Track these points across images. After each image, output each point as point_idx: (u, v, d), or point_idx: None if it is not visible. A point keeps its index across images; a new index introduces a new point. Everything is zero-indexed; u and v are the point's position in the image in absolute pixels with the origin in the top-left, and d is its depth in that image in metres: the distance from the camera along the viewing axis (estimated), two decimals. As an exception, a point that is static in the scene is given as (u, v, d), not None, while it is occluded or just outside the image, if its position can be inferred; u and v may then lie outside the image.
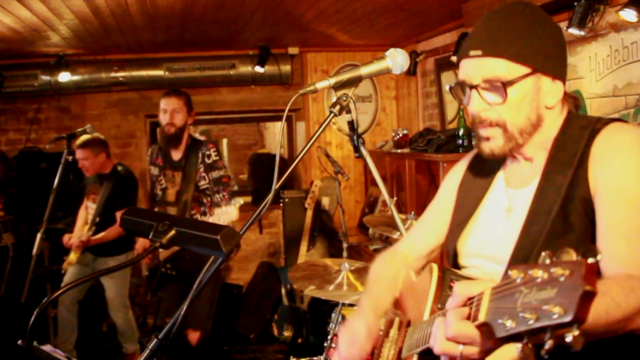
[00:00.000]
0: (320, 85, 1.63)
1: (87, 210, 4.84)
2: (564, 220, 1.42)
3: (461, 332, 1.04)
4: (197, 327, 4.35)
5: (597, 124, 1.49)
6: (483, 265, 1.64)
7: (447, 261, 1.79)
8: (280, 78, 6.38)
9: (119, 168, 4.79)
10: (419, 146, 5.05)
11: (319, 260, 3.86)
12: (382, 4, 4.35)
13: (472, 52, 1.50)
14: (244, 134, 10.44)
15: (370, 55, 6.22)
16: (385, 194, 2.65)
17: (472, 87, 1.51)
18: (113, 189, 4.59)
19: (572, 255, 0.84)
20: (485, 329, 0.99)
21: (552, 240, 1.41)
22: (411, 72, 5.84)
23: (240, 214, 6.30)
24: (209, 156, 4.23)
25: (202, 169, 4.21)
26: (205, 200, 4.22)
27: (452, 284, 1.52)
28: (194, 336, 4.37)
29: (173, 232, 1.37)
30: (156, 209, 4.48)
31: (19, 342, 1.38)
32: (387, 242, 4.80)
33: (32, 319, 1.30)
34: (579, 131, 1.50)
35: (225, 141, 9.84)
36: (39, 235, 3.76)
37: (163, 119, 4.19)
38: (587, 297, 0.79)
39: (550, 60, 1.50)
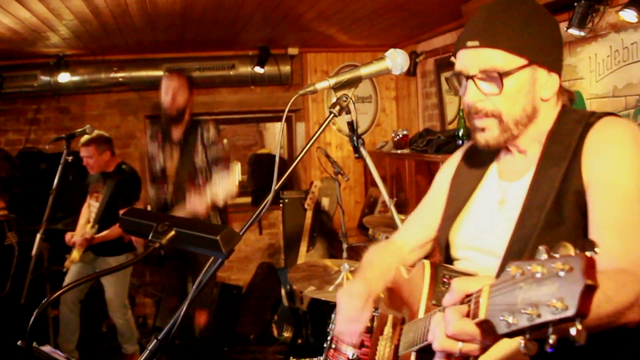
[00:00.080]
0: (320, 85, 1.63)
1: (90, 208, 4.85)
2: (558, 213, 1.43)
3: (462, 329, 1.04)
4: (203, 305, 4.36)
5: (591, 118, 1.50)
6: (475, 257, 1.64)
7: (440, 253, 1.80)
8: (280, 78, 6.38)
9: (123, 167, 4.79)
10: (419, 147, 5.05)
11: (318, 261, 3.86)
12: (382, 4, 4.35)
13: (469, 43, 1.51)
14: (243, 135, 10.43)
15: (370, 55, 6.22)
16: (385, 195, 2.65)
17: (468, 77, 1.52)
18: (116, 188, 4.59)
19: (570, 250, 0.84)
20: (486, 326, 0.99)
21: (546, 233, 1.42)
22: (411, 72, 5.84)
23: (240, 215, 6.31)
24: (208, 134, 4.24)
25: (200, 147, 4.21)
26: (200, 179, 4.21)
27: (445, 279, 1.53)
28: (201, 315, 4.39)
29: (173, 232, 1.37)
30: (151, 189, 4.48)
31: (19, 342, 1.38)
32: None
33: (31, 320, 1.29)
34: (573, 125, 1.51)
35: (224, 142, 9.82)
36: (38, 236, 3.76)
37: (164, 99, 4.20)
38: (589, 291, 0.79)
39: (547, 53, 1.52)
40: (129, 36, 5.17)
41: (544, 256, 0.86)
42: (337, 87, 1.66)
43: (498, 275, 1.42)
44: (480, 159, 1.75)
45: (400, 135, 5.65)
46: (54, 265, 4.50)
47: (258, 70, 6.18)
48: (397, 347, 1.64)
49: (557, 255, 0.84)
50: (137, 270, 6.10)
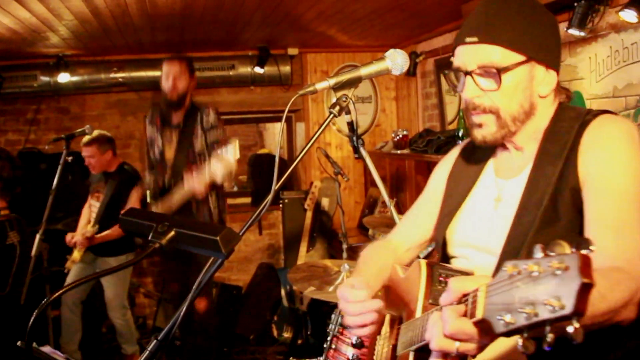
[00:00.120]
0: (319, 86, 1.63)
1: (91, 208, 4.84)
2: (554, 211, 1.44)
3: (459, 329, 1.04)
4: (203, 293, 4.35)
5: (588, 116, 1.51)
6: (472, 255, 1.65)
7: (437, 250, 1.79)
8: (279, 79, 6.38)
9: (125, 167, 4.79)
10: (419, 147, 5.05)
11: (318, 261, 3.86)
12: (382, 4, 4.35)
13: (467, 39, 1.52)
14: (243, 135, 10.42)
15: (370, 56, 6.21)
16: (385, 195, 2.65)
17: (466, 73, 1.53)
18: (118, 187, 4.59)
19: (565, 248, 0.85)
20: (483, 325, 0.99)
21: (542, 231, 1.43)
22: (411, 72, 5.83)
23: (240, 215, 6.31)
24: (208, 118, 4.24)
25: (199, 130, 4.21)
26: (199, 163, 4.18)
27: (441, 278, 1.53)
28: (200, 303, 4.38)
29: (172, 233, 1.37)
30: (149, 175, 4.47)
31: (19, 343, 1.38)
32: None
33: (31, 320, 1.29)
34: (570, 122, 1.52)
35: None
36: (37, 236, 3.76)
37: (165, 84, 4.19)
38: (585, 289, 0.80)
39: (545, 49, 1.52)
40: (129, 36, 5.17)
41: (540, 255, 0.87)
42: (337, 88, 1.66)
43: (495, 273, 1.44)
44: (476, 156, 1.75)
45: (400, 136, 5.65)
46: (54, 266, 4.50)
47: (258, 70, 6.17)
48: (394, 347, 1.64)
49: (553, 254, 0.85)
50: (137, 270, 6.10)
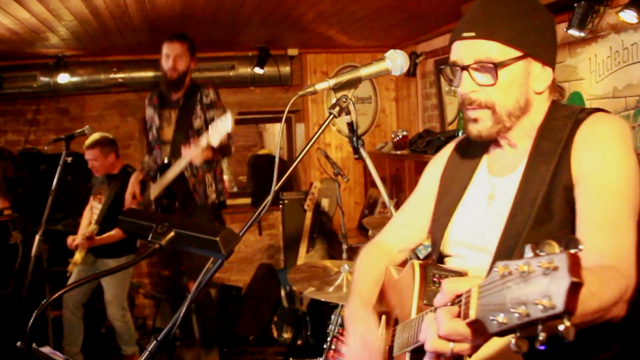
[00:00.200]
0: (319, 86, 1.63)
1: (92, 210, 4.84)
2: (548, 209, 1.45)
3: (453, 330, 1.05)
4: (196, 278, 4.34)
5: (581, 114, 1.52)
6: (467, 254, 1.65)
7: (433, 250, 1.79)
8: (279, 79, 6.37)
9: (129, 169, 4.79)
10: (419, 147, 5.05)
11: (318, 262, 3.85)
12: (381, 5, 4.35)
13: (465, 34, 1.52)
14: (243, 136, 10.41)
15: (369, 56, 6.21)
16: (384, 196, 2.64)
17: (463, 68, 1.53)
18: (120, 190, 4.58)
19: (554, 248, 0.86)
20: (477, 325, 1.00)
21: (536, 229, 1.44)
22: (411, 73, 5.83)
23: (240, 216, 6.31)
24: (207, 96, 4.23)
25: (198, 108, 4.20)
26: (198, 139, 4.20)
27: (434, 279, 1.53)
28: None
29: (172, 233, 1.37)
30: (148, 157, 4.47)
31: (18, 343, 1.38)
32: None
33: (31, 321, 1.29)
34: (563, 120, 1.52)
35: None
36: (37, 237, 3.76)
37: (165, 64, 4.18)
38: (575, 288, 0.81)
39: (542, 46, 1.52)
40: (129, 37, 5.17)
41: (531, 255, 0.88)
42: (336, 88, 1.66)
43: (489, 273, 1.45)
44: (470, 153, 1.76)
45: (400, 136, 5.65)
46: (53, 266, 4.50)
47: (258, 71, 6.17)
48: (391, 348, 1.64)
49: (543, 254, 0.86)
50: (137, 271, 6.10)
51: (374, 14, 4.68)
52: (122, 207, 4.53)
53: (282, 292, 5.46)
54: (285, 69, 6.35)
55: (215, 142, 3.73)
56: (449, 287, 1.10)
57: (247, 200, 6.91)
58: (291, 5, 4.32)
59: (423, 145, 4.97)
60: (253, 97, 6.56)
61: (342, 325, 3.06)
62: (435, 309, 1.12)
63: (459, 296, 1.08)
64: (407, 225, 1.94)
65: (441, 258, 1.75)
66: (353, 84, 1.67)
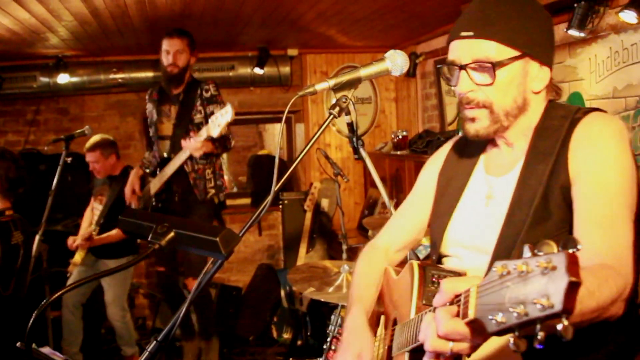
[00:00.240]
0: (319, 86, 1.63)
1: (93, 211, 4.84)
2: (545, 208, 1.45)
3: (453, 329, 1.05)
4: (196, 276, 4.34)
5: (577, 113, 1.52)
6: (465, 255, 1.65)
7: (431, 250, 1.80)
8: (279, 80, 6.37)
9: (130, 170, 4.79)
10: (419, 148, 5.05)
11: (318, 262, 3.85)
12: (381, 5, 4.35)
13: (463, 33, 1.52)
14: (243, 136, 10.41)
15: (369, 56, 6.21)
16: (384, 196, 2.64)
17: (461, 67, 1.53)
18: (121, 191, 4.58)
19: (553, 247, 0.86)
20: (475, 325, 1.01)
21: (534, 229, 1.44)
22: (411, 73, 5.83)
23: (240, 216, 6.30)
24: (208, 90, 4.22)
25: (199, 103, 4.20)
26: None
27: (433, 279, 1.54)
28: (193, 285, 4.38)
29: (172, 234, 1.37)
30: (148, 154, 4.47)
31: (18, 344, 1.38)
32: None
33: (30, 321, 1.29)
34: (560, 120, 1.53)
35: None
36: (37, 237, 3.76)
37: (165, 60, 4.17)
38: (573, 288, 0.81)
39: (539, 46, 1.53)
40: (128, 37, 5.17)
41: (529, 254, 0.88)
42: (336, 88, 1.66)
43: (487, 273, 1.45)
44: (467, 153, 1.76)
45: (400, 137, 5.65)
46: (53, 267, 4.50)
47: (257, 71, 6.17)
48: (390, 348, 1.64)
49: (541, 254, 0.86)
50: (137, 271, 6.10)
51: (374, 14, 4.68)
52: (123, 208, 4.53)
53: (282, 293, 5.46)
54: (285, 69, 6.35)
55: (215, 134, 3.73)
56: (448, 287, 1.10)
57: (247, 201, 6.90)
58: (291, 5, 4.32)
59: (423, 146, 4.97)
60: (253, 98, 6.56)
61: (342, 326, 3.06)
62: (434, 308, 1.13)
63: (457, 296, 1.08)
64: (404, 226, 1.94)
65: (439, 258, 1.75)
66: (353, 84, 1.67)
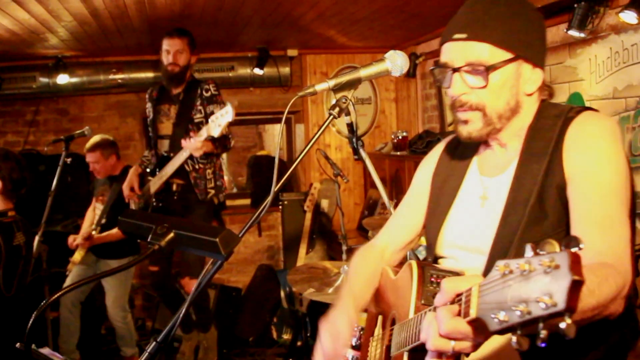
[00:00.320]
0: (319, 87, 1.63)
1: (95, 212, 4.84)
2: (541, 208, 1.46)
3: (454, 328, 1.05)
4: (193, 275, 4.35)
5: (570, 112, 1.53)
6: (461, 255, 1.66)
7: (427, 251, 1.80)
8: (279, 80, 6.37)
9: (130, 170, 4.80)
10: (419, 148, 5.05)
11: (318, 263, 3.85)
12: (381, 5, 4.35)
13: (456, 35, 1.52)
14: (242, 136, 10.41)
15: (369, 57, 6.21)
16: (384, 197, 2.64)
17: (454, 70, 1.53)
18: (122, 191, 4.58)
19: (555, 247, 0.86)
20: (477, 324, 1.01)
21: (530, 229, 1.45)
22: (410, 74, 5.83)
23: (239, 217, 6.30)
24: (208, 90, 4.22)
25: (199, 103, 4.20)
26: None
27: (432, 279, 1.54)
28: (189, 284, 4.38)
29: (172, 234, 1.36)
30: (148, 152, 4.46)
31: (17, 344, 1.37)
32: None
33: (30, 322, 1.29)
34: (553, 119, 1.53)
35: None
36: (37, 238, 3.76)
37: (165, 59, 4.16)
38: (576, 286, 0.81)
39: (532, 47, 1.53)
40: (128, 38, 5.17)
41: (531, 253, 0.88)
42: (336, 89, 1.66)
43: (486, 273, 1.45)
44: (459, 154, 1.76)
45: (400, 137, 5.65)
46: (53, 267, 4.50)
47: (257, 71, 6.17)
48: (388, 348, 1.64)
49: (543, 252, 0.87)
50: (137, 272, 6.09)
51: (374, 15, 4.68)
52: (123, 208, 4.53)
53: (282, 293, 5.46)
54: (285, 70, 6.34)
55: (216, 134, 3.73)
56: (449, 287, 1.10)
57: (247, 201, 6.90)
58: (291, 6, 4.32)
59: (423, 146, 4.97)
60: (253, 98, 6.56)
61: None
62: (435, 308, 1.13)
63: (458, 295, 1.08)
64: (401, 226, 1.95)
65: (435, 260, 1.75)
66: (353, 84, 1.67)
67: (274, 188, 1.57)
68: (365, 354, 1.85)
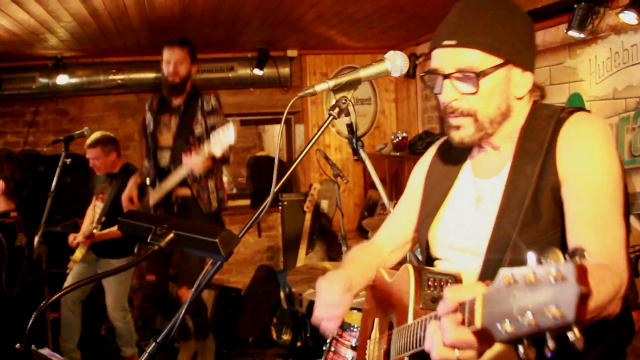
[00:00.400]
0: (319, 87, 1.63)
1: (95, 209, 4.84)
2: (535, 210, 1.46)
3: (459, 338, 1.05)
4: (191, 284, 4.34)
5: (562, 113, 1.53)
6: (456, 257, 1.66)
7: (421, 252, 1.80)
8: (279, 81, 6.37)
9: (130, 168, 4.80)
10: (418, 149, 5.05)
11: (318, 264, 3.85)
12: (381, 6, 4.35)
13: (446, 42, 1.52)
14: (242, 137, 10.41)
15: (369, 57, 6.21)
16: (384, 197, 2.64)
17: (444, 76, 1.53)
18: (122, 188, 4.58)
19: (559, 257, 0.86)
20: (482, 334, 1.00)
21: (525, 230, 1.45)
22: (410, 74, 5.81)
23: (239, 217, 6.29)
24: (209, 102, 4.20)
25: (199, 115, 4.18)
26: (198, 146, 4.16)
27: (429, 282, 1.54)
28: (187, 294, 4.37)
29: (171, 235, 1.36)
30: (147, 162, 4.45)
31: (17, 345, 1.37)
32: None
33: (30, 322, 1.29)
34: (545, 120, 1.54)
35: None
36: (36, 238, 3.76)
37: (166, 69, 4.15)
38: (584, 298, 0.81)
39: (522, 52, 1.53)
40: (128, 38, 5.17)
41: (535, 262, 0.87)
42: (336, 89, 1.66)
43: (481, 274, 1.48)
44: (453, 155, 1.77)
45: (400, 138, 5.65)
46: (53, 268, 4.49)
47: (257, 72, 6.17)
48: (387, 351, 1.64)
49: (547, 262, 0.86)
50: (137, 272, 6.09)
51: (374, 15, 4.68)
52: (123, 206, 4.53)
53: (282, 294, 5.45)
54: (285, 70, 6.34)
55: (217, 153, 3.71)
56: (452, 296, 1.09)
57: (247, 202, 6.90)
58: (291, 6, 4.32)
59: (422, 147, 4.96)
60: (252, 99, 6.56)
61: (341, 327, 3.05)
62: (437, 316, 1.12)
63: (462, 304, 1.08)
64: (397, 226, 1.96)
65: (430, 261, 1.76)
66: (352, 85, 1.67)
67: (274, 188, 1.57)
68: (363, 356, 1.85)
